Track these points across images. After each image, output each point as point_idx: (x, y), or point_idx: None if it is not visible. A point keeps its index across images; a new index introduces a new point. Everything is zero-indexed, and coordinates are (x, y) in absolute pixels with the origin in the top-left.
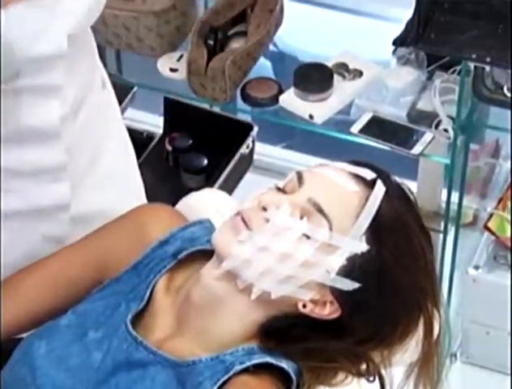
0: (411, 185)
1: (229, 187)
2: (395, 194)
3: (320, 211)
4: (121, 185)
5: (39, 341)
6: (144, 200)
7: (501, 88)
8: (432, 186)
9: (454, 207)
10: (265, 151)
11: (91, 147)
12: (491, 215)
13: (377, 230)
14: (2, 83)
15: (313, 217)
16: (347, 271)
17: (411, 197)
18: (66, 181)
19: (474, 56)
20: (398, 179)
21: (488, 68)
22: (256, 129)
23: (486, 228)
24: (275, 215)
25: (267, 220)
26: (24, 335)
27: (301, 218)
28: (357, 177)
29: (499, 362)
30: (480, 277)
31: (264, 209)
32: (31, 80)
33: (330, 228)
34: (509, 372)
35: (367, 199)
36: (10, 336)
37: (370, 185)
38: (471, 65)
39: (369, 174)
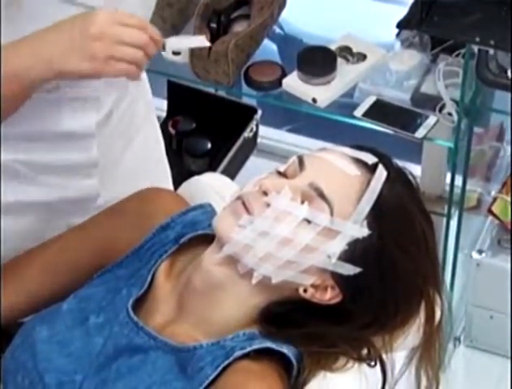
0: (415, 169)
1: (233, 171)
2: (397, 178)
3: (321, 195)
4: (149, 174)
5: (40, 326)
6: (171, 189)
7: (505, 72)
8: (436, 170)
9: (457, 190)
10: (269, 135)
11: (123, 139)
12: (495, 199)
13: (378, 215)
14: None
15: (314, 202)
16: (348, 256)
17: (413, 181)
18: (96, 176)
19: (477, 39)
20: (401, 163)
21: (491, 51)
22: (260, 112)
23: (490, 212)
24: (276, 200)
25: (268, 205)
26: (26, 320)
27: (302, 202)
28: (359, 161)
29: (503, 346)
30: (484, 261)
31: (265, 193)
32: (71, 91)
33: (331, 213)
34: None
35: (368, 184)
36: (12, 321)
37: (372, 169)
38: (475, 48)
39: (371, 158)
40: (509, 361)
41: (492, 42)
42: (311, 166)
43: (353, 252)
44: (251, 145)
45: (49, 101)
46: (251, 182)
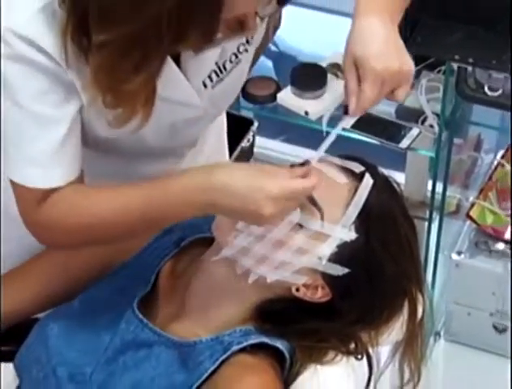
0: (400, 177)
1: None
2: (383, 186)
3: (312, 202)
4: None
5: (53, 323)
6: None
7: (482, 87)
8: (418, 178)
9: (438, 196)
10: (265, 145)
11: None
12: (472, 205)
13: (365, 220)
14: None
15: (306, 208)
16: (337, 258)
17: (398, 189)
18: None
19: (457, 57)
20: (386, 171)
21: (470, 68)
22: (256, 124)
23: (468, 216)
24: None
25: None
26: (40, 316)
27: (295, 208)
28: (347, 170)
29: (479, 340)
30: (463, 262)
31: None
32: None
33: (322, 218)
34: (489, 349)
35: (356, 191)
36: (27, 316)
37: (359, 177)
38: (455, 65)
39: (358, 167)
40: (486, 353)
41: (470, 60)
42: None
43: (342, 254)
44: (248, 154)
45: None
46: None
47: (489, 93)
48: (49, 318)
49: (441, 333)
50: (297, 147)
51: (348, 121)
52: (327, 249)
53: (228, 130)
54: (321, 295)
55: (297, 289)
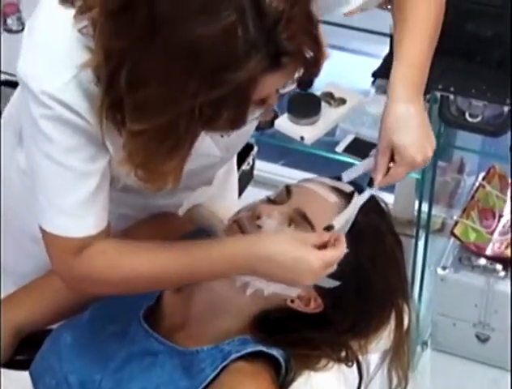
0: (389, 197)
1: None
2: (371, 205)
3: (305, 219)
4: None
5: (65, 332)
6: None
7: (463, 114)
8: (406, 198)
9: (424, 215)
10: (264, 168)
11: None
12: (456, 223)
13: (354, 236)
14: None
15: (299, 225)
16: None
17: (385, 208)
18: None
19: (440, 86)
20: (377, 191)
21: (452, 97)
22: (256, 148)
23: (452, 234)
24: (267, 223)
25: (260, 227)
26: (54, 327)
27: (289, 225)
28: (337, 190)
29: (464, 349)
30: (447, 276)
31: (257, 217)
32: None
33: None
34: (473, 358)
35: (345, 209)
36: (43, 327)
37: (349, 197)
38: (438, 94)
39: (348, 188)
40: (469, 362)
41: (452, 89)
42: (297, 194)
43: None
44: (248, 177)
45: None
46: (245, 208)
47: (470, 119)
48: (62, 328)
49: (428, 343)
50: (294, 170)
51: (370, 193)
52: None
53: None
54: (314, 306)
55: (292, 301)
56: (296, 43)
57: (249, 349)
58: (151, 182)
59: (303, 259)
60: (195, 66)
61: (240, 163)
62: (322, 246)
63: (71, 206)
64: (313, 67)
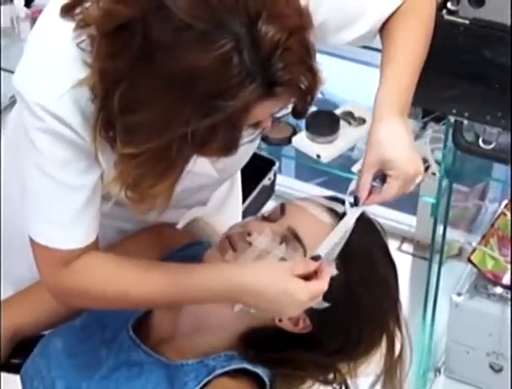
0: (411, 220)
1: (251, 213)
2: (365, 226)
3: (297, 238)
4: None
5: (57, 338)
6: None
7: (478, 140)
8: (427, 222)
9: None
10: (286, 183)
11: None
12: (474, 250)
13: (346, 258)
14: None
15: (290, 243)
16: None
17: (381, 230)
18: None
19: (454, 111)
20: (399, 214)
21: (466, 122)
22: (277, 164)
23: (469, 260)
24: (258, 240)
25: (250, 244)
26: (46, 333)
27: (281, 243)
28: (331, 210)
29: (477, 378)
30: (462, 303)
31: (248, 234)
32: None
33: (305, 254)
34: (486, 388)
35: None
36: (36, 333)
37: (341, 218)
38: (452, 118)
39: (341, 208)
40: None
41: (466, 114)
42: (290, 212)
43: None
44: (269, 192)
45: None
46: (239, 224)
47: (483, 146)
48: (54, 333)
49: (442, 369)
50: (316, 187)
51: (357, 212)
52: None
53: (250, 168)
54: (302, 326)
55: (280, 320)
56: (291, 73)
57: (234, 366)
58: (140, 203)
59: (288, 292)
60: (189, 93)
61: (261, 178)
62: (308, 275)
63: (60, 218)
64: (306, 96)
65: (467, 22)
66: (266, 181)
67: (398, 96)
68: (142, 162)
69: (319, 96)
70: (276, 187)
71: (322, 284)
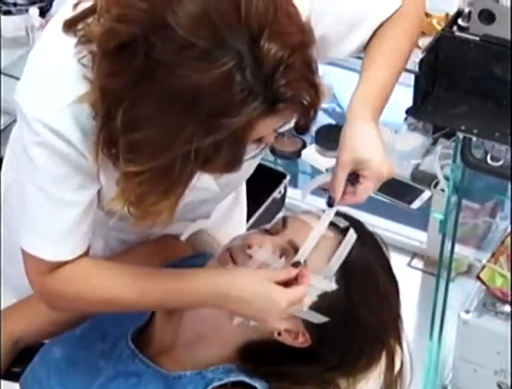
0: (423, 235)
1: (261, 225)
2: (367, 241)
3: (297, 251)
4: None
5: (56, 347)
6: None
7: (486, 157)
8: (438, 238)
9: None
10: (296, 196)
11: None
12: (483, 267)
13: (346, 272)
14: None
15: (291, 257)
16: (317, 307)
17: (383, 246)
18: None
19: (463, 127)
20: (412, 230)
21: (475, 138)
22: (288, 177)
23: (478, 278)
24: (257, 253)
25: (250, 257)
26: (46, 341)
27: (281, 257)
28: (333, 224)
29: None
30: (470, 320)
31: (249, 247)
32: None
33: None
34: None
35: (339, 244)
36: (40, 340)
37: (344, 232)
38: (461, 135)
39: (343, 222)
40: None
41: (475, 131)
42: (292, 226)
43: (322, 303)
44: (279, 205)
45: None
46: (240, 236)
47: (491, 163)
48: (54, 342)
49: (449, 387)
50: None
51: (331, 212)
52: (308, 297)
53: (261, 181)
54: (301, 341)
55: (279, 334)
56: (293, 89)
57: (232, 378)
58: (142, 219)
59: (267, 298)
60: (192, 111)
61: (271, 190)
62: (290, 282)
63: (52, 232)
64: (309, 112)
65: (477, 38)
66: (276, 194)
67: (375, 98)
68: (145, 180)
69: (338, 109)
70: (287, 200)
71: (300, 290)
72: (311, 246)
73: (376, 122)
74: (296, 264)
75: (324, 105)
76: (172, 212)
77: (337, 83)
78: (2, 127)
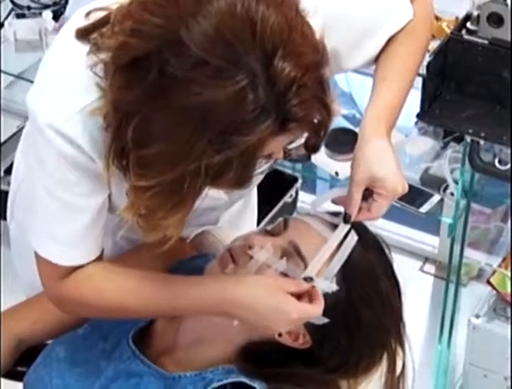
0: (435, 240)
1: None
2: (369, 244)
3: (298, 253)
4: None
5: (59, 347)
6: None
7: (494, 160)
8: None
9: (465, 260)
10: (308, 200)
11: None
12: (494, 272)
13: (347, 274)
14: None
15: (291, 258)
16: None
17: (385, 247)
18: None
19: (470, 131)
20: (422, 234)
21: (482, 142)
22: (300, 181)
23: (489, 283)
24: (258, 254)
25: (251, 257)
26: (49, 342)
27: (281, 258)
28: (334, 226)
29: None
30: (480, 325)
31: (250, 247)
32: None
33: (305, 269)
34: None
35: (340, 246)
36: (43, 340)
37: (345, 234)
38: (468, 139)
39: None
40: None
41: (482, 134)
42: (293, 227)
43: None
44: (291, 209)
45: None
46: (241, 237)
47: (499, 166)
48: (56, 342)
49: None
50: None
51: (345, 228)
52: None
53: (272, 185)
54: (302, 342)
55: (279, 335)
56: (305, 109)
57: (231, 379)
58: (151, 232)
59: (279, 308)
60: (204, 128)
61: (282, 194)
62: (300, 294)
63: (64, 237)
64: (320, 131)
65: (485, 42)
66: (287, 198)
67: (388, 114)
68: (154, 194)
69: (357, 116)
70: (299, 204)
71: (315, 310)
72: (322, 261)
73: (389, 138)
74: (307, 279)
75: (343, 111)
76: (180, 227)
77: (358, 89)
78: (17, 129)
